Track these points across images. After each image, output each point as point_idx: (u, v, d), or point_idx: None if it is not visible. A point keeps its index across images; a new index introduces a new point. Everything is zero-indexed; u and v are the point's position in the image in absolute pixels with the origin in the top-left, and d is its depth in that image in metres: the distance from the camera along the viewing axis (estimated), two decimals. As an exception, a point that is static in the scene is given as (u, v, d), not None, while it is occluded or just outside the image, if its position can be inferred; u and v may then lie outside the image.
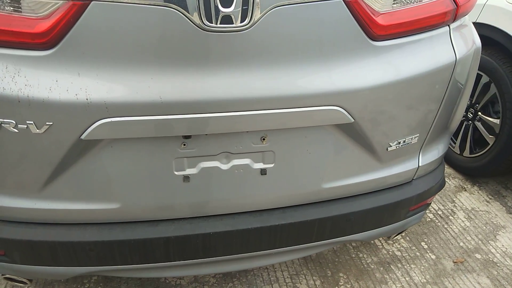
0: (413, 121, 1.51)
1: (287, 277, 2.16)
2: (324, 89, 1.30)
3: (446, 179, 2.98)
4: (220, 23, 1.15)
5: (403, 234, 2.47)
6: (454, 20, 1.47)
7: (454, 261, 2.32)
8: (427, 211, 2.66)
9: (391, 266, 2.26)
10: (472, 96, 2.83)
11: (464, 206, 2.75)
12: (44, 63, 1.15)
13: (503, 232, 2.54)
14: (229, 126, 1.29)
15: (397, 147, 1.55)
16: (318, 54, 1.28)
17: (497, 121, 2.67)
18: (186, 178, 1.38)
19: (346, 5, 1.23)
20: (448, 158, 3.07)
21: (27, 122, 1.18)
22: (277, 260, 1.69)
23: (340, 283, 2.14)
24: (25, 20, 1.11)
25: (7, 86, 1.14)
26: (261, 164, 1.42)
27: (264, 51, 1.23)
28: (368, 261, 2.28)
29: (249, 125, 1.31)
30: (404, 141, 1.55)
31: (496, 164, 2.72)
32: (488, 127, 2.75)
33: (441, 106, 1.54)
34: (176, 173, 1.36)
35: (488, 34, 2.61)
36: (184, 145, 1.32)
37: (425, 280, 2.18)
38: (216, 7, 1.13)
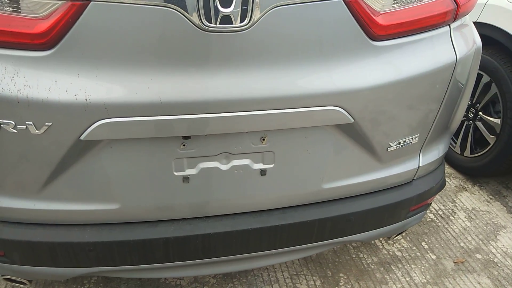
0: (414, 121, 1.51)
1: (287, 278, 2.15)
2: (324, 89, 1.30)
3: (446, 179, 2.97)
4: (219, 23, 1.14)
5: (403, 234, 2.47)
6: (455, 20, 1.46)
7: (455, 261, 2.31)
8: (427, 211, 2.66)
9: (392, 266, 2.26)
10: (472, 96, 2.83)
11: (464, 206, 2.75)
12: (43, 64, 1.14)
13: (503, 232, 2.53)
14: (228, 126, 1.29)
15: (397, 147, 1.54)
16: (318, 54, 1.27)
17: (498, 121, 2.66)
18: (186, 178, 1.37)
19: (346, 5, 1.23)
20: (448, 158, 3.07)
21: (26, 122, 1.18)
22: (277, 261, 1.69)
23: (340, 284, 2.14)
24: (24, 20, 1.11)
25: (6, 87, 1.14)
26: (261, 164, 1.42)
27: (264, 51, 1.23)
28: (368, 261, 2.28)
29: (248, 126, 1.31)
30: (405, 141, 1.55)
31: (497, 164, 2.71)
32: (489, 127, 2.74)
33: (441, 106, 1.53)
34: (175, 173, 1.36)
35: (489, 34, 2.61)
36: (184, 145, 1.32)
37: (425, 281, 2.18)
38: (216, 7, 1.12)
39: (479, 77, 2.74)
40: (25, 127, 1.18)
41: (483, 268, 2.28)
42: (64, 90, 1.15)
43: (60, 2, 1.08)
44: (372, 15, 1.27)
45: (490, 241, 2.46)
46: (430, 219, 2.62)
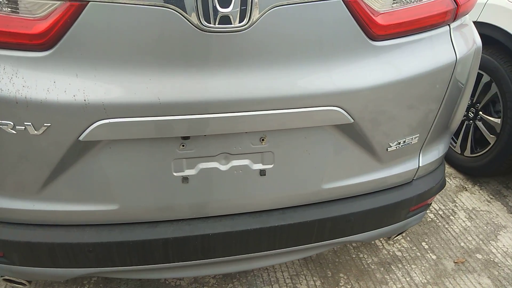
0: (413, 121, 1.51)
1: (287, 278, 2.15)
2: (324, 89, 1.30)
3: (447, 179, 2.97)
4: (218, 24, 1.14)
5: (403, 234, 2.46)
6: (455, 19, 1.46)
7: (455, 261, 2.31)
8: (427, 211, 2.65)
9: (392, 267, 2.25)
10: (473, 95, 2.82)
11: (465, 206, 2.74)
12: (42, 64, 1.14)
13: (504, 232, 2.53)
14: (228, 127, 1.29)
15: (397, 147, 1.54)
16: (317, 54, 1.27)
17: (498, 120, 2.66)
18: (185, 179, 1.37)
19: (345, 4, 1.23)
20: (449, 158, 3.07)
21: (25, 123, 1.17)
22: (277, 261, 1.68)
23: (340, 284, 2.14)
24: (23, 21, 1.10)
25: (5, 87, 1.13)
26: (260, 164, 1.41)
27: (263, 52, 1.22)
28: (368, 262, 2.28)
29: (248, 126, 1.31)
30: (404, 141, 1.54)
31: (497, 164, 2.71)
32: (489, 126, 2.74)
33: (441, 106, 1.53)
34: (175, 174, 1.36)
35: (489, 33, 2.60)
36: (183, 146, 1.32)
37: (425, 281, 2.18)
38: (214, 8, 1.12)
39: (479, 76, 2.74)
40: (23, 127, 1.18)
41: (483, 268, 2.27)
42: (62, 91, 1.15)
43: (59, 2, 1.08)
44: (372, 15, 1.27)
45: (490, 241, 2.46)
46: (430, 219, 2.61)
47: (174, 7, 1.11)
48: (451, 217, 2.64)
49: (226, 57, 1.20)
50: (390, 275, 2.20)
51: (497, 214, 2.68)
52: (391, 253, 2.34)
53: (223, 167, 1.39)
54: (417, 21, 1.36)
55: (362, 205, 1.58)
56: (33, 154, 1.24)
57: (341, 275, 2.19)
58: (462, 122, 2.93)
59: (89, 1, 1.08)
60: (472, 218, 2.64)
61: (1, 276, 1.55)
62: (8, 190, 1.33)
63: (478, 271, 2.25)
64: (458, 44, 1.47)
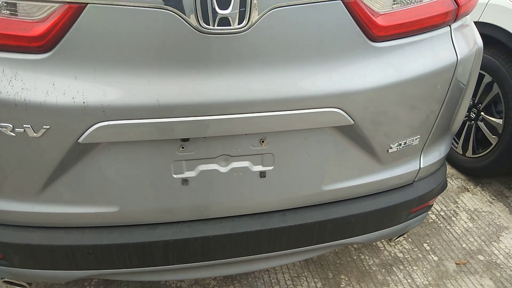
0: (414, 123, 1.50)
1: (288, 279, 2.14)
2: (324, 91, 1.29)
3: (448, 180, 2.96)
4: (217, 25, 1.14)
5: (405, 235, 2.45)
6: (455, 20, 1.45)
7: (457, 262, 2.30)
8: (429, 212, 2.64)
9: (393, 268, 2.24)
10: (474, 96, 2.81)
11: (466, 207, 2.73)
12: (40, 67, 1.14)
13: (506, 233, 2.52)
14: (227, 128, 1.28)
15: (398, 148, 1.53)
16: (317, 56, 1.26)
17: (500, 121, 2.65)
18: (185, 181, 1.37)
19: (345, 6, 1.22)
20: (450, 159, 3.05)
21: (24, 125, 1.17)
22: (277, 263, 1.68)
23: (341, 285, 2.13)
24: (21, 23, 1.10)
25: (4, 90, 1.13)
26: (260, 166, 1.41)
27: (263, 53, 1.22)
28: (370, 263, 2.27)
29: (248, 128, 1.31)
30: (405, 143, 1.54)
31: (499, 165, 2.70)
32: (491, 127, 2.73)
33: (442, 107, 1.52)
34: (174, 176, 1.35)
35: (491, 33, 2.59)
36: (183, 148, 1.31)
37: (427, 282, 2.17)
38: (213, 9, 1.12)
39: (480, 77, 2.73)
40: (23, 130, 1.18)
41: (485, 269, 2.26)
42: (61, 93, 1.15)
43: (57, 5, 1.08)
44: (372, 16, 1.27)
45: (492, 242, 2.45)
46: (432, 220, 2.60)
47: (172, 8, 1.10)
48: (453, 218, 2.63)
49: (225, 59, 1.20)
50: (392, 277, 2.19)
51: (499, 215, 2.67)
52: (392, 254, 2.33)
53: (223, 169, 1.38)
54: (417, 22, 1.35)
55: (363, 207, 1.58)
56: (32, 156, 1.24)
57: (342, 276, 2.18)
58: (464, 123, 2.92)
59: (88, 3, 1.08)
60: (474, 219, 2.63)
61: (1, 278, 1.55)
62: (8, 192, 1.33)
63: (480, 273, 2.24)
64: (459, 45, 1.47)
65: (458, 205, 2.75)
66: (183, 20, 1.12)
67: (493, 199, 2.81)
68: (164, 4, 1.10)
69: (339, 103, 1.32)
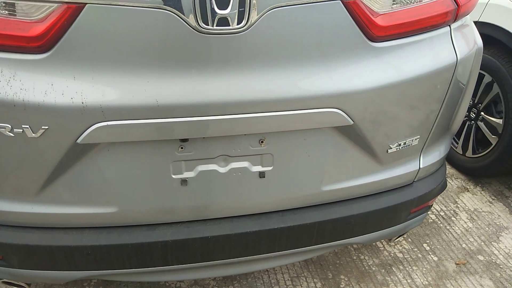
0: (414, 123, 1.50)
1: (288, 280, 2.14)
2: (323, 91, 1.29)
3: (448, 180, 2.95)
4: (216, 25, 1.13)
5: (404, 236, 2.45)
6: (455, 20, 1.45)
7: (457, 263, 2.30)
8: (429, 212, 2.64)
9: (393, 268, 2.24)
10: (474, 95, 2.81)
11: (466, 207, 2.73)
12: (39, 67, 1.14)
13: (506, 233, 2.52)
14: (226, 129, 1.28)
15: (398, 149, 1.53)
16: (317, 56, 1.26)
17: (500, 121, 2.65)
18: (184, 181, 1.37)
19: (344, 6, 1.22)
20: (450, 159, 3.05)
21: (23, 126, 1.17)
22: (276, 264, 1.68)
23: (341, 286, 2.13)
24: (20, 23, 1.10)
25: (2, 90, 1.13)
26: (260, 167, 1.41)
27: (262, 53, 1.22)
28: (369, 263, 2.27)
29: (247, 128, 1.30)
30: (405, 143, 1.53)
31: (499, 165, 2.69)
32: (491, 127, 2.72)
33: (442, 108, 1.52)
34: (173, 176, 1.35)
35: (491, 33, 2.59)
36: (182, 148, 1.31)
37: (427, 282, 2.16)
38: (212, 9, 1.11)
39: (480, 77, 2.72)
40: (21, 130, 1.18)
41: (485, 269, 2.26)
42: (60, 93, 1.14)
43: (56, 5, 1.08)
44: (371, 16, 1.26)
45: (492, 242, 2.44)
46: (431, 220, 2.60)
47: (171, 9, 1.10)
48: (453, 218, 2.63)
49: (224, 59, 1.19)
50: (391, 277, 2.19)
51: (499, 215, 2.66)
52: (392, 254, 2.33)
53: (222, 169, 1.38)
54: (417, 22, 1.35)
55: (362, 207, 1.57)
56: (31, 157, 1.24)
57: (342, 277, 2.18)
58: (464, 123, 2.91)
59: (86, 3, 1.08)
60: (473, 219, 2.63)
61: (1, 279, 1.55)
62: (7, 192, 1.33)
63: (479, 273, 2.24)
64: (459, 45, 1.46)
65: (458, 205, 2.74)
66: (182, 20, 1.12)
67: (493, 199, 2.81)
68: (163, 4, 1.10)
69: (338, 104, 1.31)
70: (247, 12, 1.13)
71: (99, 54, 1.14)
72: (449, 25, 1.44)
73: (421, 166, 1.65)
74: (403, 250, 2.37)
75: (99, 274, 1.48)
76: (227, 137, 1.33)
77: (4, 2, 1.08)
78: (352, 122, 1.36)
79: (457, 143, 3.00)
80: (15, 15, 1.10)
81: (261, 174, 1.41)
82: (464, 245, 2.42)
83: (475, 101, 2.83)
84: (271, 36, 1.20)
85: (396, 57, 1.36)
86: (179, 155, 1.32)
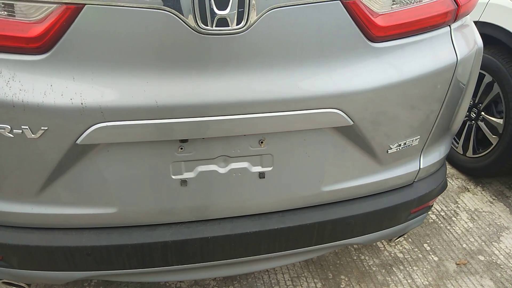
0: (414, 123, 1.49)
1: (288, 280, 2.14)
2: (323, 91, 1.29)
3: (449, 180, 2.95)
4: (215, 26, 1.13)
5: (405, 236, 2.45)
6: (455, 20, 1.44)
7: (457, 263, 2.29)
8: (429, 212, 2.64)
9: (393, 268, 2.24)
10: (475, 95, 2.81)
11: (467, 207, 2.72)
12: (38, 68, 1.14)
13: (506, 233, 2.51)
14: (226, 129, 1.28)
15: (398, 149, 1.53)
16: (316, 56, 1.26)
17: (501, 121, 2.64)
18: (184, 182, 1.36)
19: (344, 6, 1.22)
20: (451, 159, 3.05)
21: (22, 127, 1.17)
22: (276, 264, 1.68)
23: (341, 286, 2.12)
24: (19, 24, 1.10)
25: (2, 91, 1.13)
26: (260, 167, 1.41)
27: (261, 54, 1.21)
28: (370, 263, 2.26)
29: (247, 129, 1.30)
30: (405, 143, 1.53)
31: (500, 165, 2.69)
32: (491, 127, 2.72)
33: (442, 108, 1.52)
34: (173, 177, 1.35)
35: (491, 33, 2.58)
36: (181, 148, 1.31)
37: (427, 283, 2.16)
38: (212, 10, 1.11)
39: (481, 77, 2.72)
40: (21, 131, 1.18)
41: (485, 270, 2.26)
42: (59, 94, 1.14)
43: (55, 5, 1.08)
44: (371, 16, 1.26)
45: (493, 243, 2.44)
46: (432, 220, 2.60)
47: (170, 9, 1.10)
48: (453, 218, 2.63)
49: (224, 60, 1.19)
50: (392, 277, 2.19)
51: (500, 215, 2.66)
52: (392, 254, 2.33)
53: (222, 170, 1.38)
54: (417, 22, 1.35)
55: (362, 208, 1.57)
56: (30, 157, 1.23)
57: (342, 277, 2.18)
58: (464, 123, 2.91)
59: (85, 4, 1.08)
60: (474, 219, 2.62)
61: (1, 280, 1.55)
62: (6, 193, 1.33)
63: (480, 273, 2.23)
64: (459, 45, 1.46)
65: (459, 205, 2.74)
66: (181, 21, 1.11)
67: (494, 199, 2.80)
68: (162, 5, 1.09)
69: (338, 104, 1.31)
70: (247, 13, 1.13)
71: (99, 54, 1.13)
72: (449, 25, 1.44)
73: (421, 167, 1.64)
74: (404, 250, 2.36)
75: (99, 274, 1.48)
76: (226, 138, 1.33)
77: (3, 3, 1.08)
78: (352, 123, 1.35)
79: (458, 143, 2.99)
80: (14, 16, 1.10)
81: (261, 175, 1.41)
82: (464, 245, 2.41)
83: (476, 101, 2.83)
84: (270, 36, 1.19)
85: (396, 57, 1.35)
86: (178, 156, 1.32)
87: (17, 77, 1.13)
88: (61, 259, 1.41)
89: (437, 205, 2.73)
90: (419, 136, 1.55)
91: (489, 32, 2.58)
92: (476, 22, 2.61)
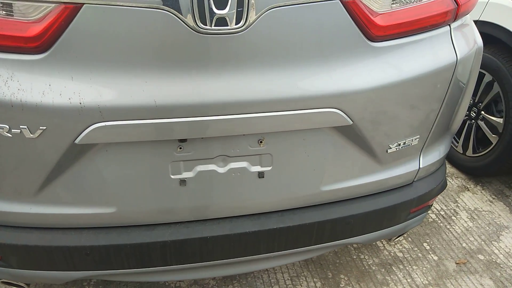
0: (414, 123, 1.49)
1: (288, 279, 2.14)
2: (322, 91, 1.28)
3: (448, 179, 2.95)
4: (214, 26, 1.13)
5: (404, 235, 2.45)
6: (455, 19, 1.44)
7: (457, 262, 2.29)
8: (429, 212, 2.64)
9: (393, 268, 2.24)
10: (475, 95, 2.80)
11: (467, 206, 2.72)
12: (37, 67, 1.13)
13: (506, 233, 2.51)
14: (225, 129, 1.27)
15: (397, 148, 1.52)
16: (316, 56, 1.25)
17: (500, 120, 2.64)
18: (183, 181, 1.36)
19: (343, 5, 1.21)
20: (450, 158, 3.05)
21: (21, 126, 1.17)
22: (276, 264, 1.67)
23: (341, 285, 2.12)
24: (17, 24, 1.09)
25: (0, 91, 1.12)
26: (259, 167, 1.40)
27: (261, 53, 1.21)
28: (369, 263, 2.26)
29: (246, 128, 1.30)
30: (405, 143, 1.53)
31: (500, 164, 2.69)
32: (491, 126, 2.72)
33: (442, 107, 1.51)
34: (172, 176, 1.35)
35: (491, 32, 2.58)
36: (180, 148, 1.31)
37: (427, 282, 2.16)
38: (210, 9, 1.11)
39: (481, 76, 2.72)
40: (19, 131, 1.17)
41: (485, 269, 2.26)
42: (58, 94, 1.14)
43: (53, 5, 1.07)
44: (370, 16, 1.26)
45: (492, 242, 2.44)
46: (432, 220, 2.60)
47: (169, 9, 1.09)
48: (453, 217, 2.63)
49: (223, 59, 1.19)
50: (391, 276, 2.19)
51: (500, 214, 2.66)
52: (392, 254, 2.33)
53: (221, 170, 1.38)
54: (417, 21, 1.34)
55: (362, 207, 1.57)
56: (29, 157, 1.23)
57: (342, 276, 2.18)
58: (464, 122, 2.91)
59: (84, 4, 1.07)
60: (474, 218, 2.62)
61: (0, 279, 1.55)
62: (5, 193, 1.33)
63: (480, 272, 2.23)
64: (459, 45, 1.46)
65: (458, 204, 2.74)
66: (180, 21, 1.11)
67: (494, 198, 2.80)
68: (161, 4, 1.09)
69: (337, 104, 1.31)
70: (246, 12, 1.13)
71: (97, 54, 1.13)
72: (449, 25, 1.44)
73: (421, 166, 1.64)
74: (403, 249, 2.36)
75: (98, 274, 1.48)
76: (226, 137, 1.33)
77: (1, 3, 1.08)
78: (351, 122, 1.35)
79: (458, 142, 2.99)
80: (13, 16, 1.09)
81: (260, 174, 1.41)
82: (464, 245, 2.41)
83: (476, 100, 2.83)
84: (270, 36, 1.19)
85: (396, 57, 1.35)
86: (177, 156, 1.32)
87: (15, 76, 1.13)
88: (60, 258, 1.40)
89: (437, 204, 2.73)
90: (418, 136, 1.54)
91: (489, 31, 2.57)
92: (476, 21, 2.61)
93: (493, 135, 2.70)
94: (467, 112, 2.88)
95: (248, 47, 1.19)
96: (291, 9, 1.17)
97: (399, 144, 1.52)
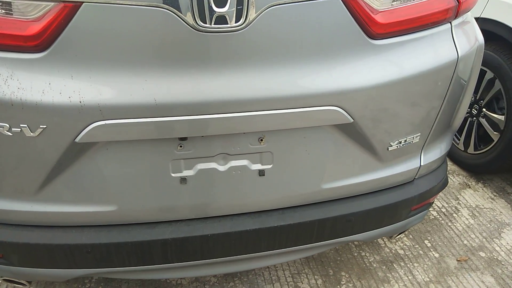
0: (414, 120, 1.49)
1: (289, 276, 2.14)
2: (322, 89, 1.28)
3: (450, 176, 2.94)
4: (214, 24, 1.12)
5: (405, 232, 2.45)
6: (456, 17, 1.44)
7: (458, 259, 2.29)
8: (430, 209, 2.63)
9: (394, 265, 2.24)
10: (476, 92, 2.79)
11: (468, 204, 2.72)
12: (36, 66, 1.13)
13: (507, 230, 2.51)
14: (225, 127, 1.27)
15: (398, 146, 1.52)
16: (316, 54, 1.25)
17: (502, 117, 2.63)
18: (183, 180, 1.36)
19: (343, 3, 1.21)
20: (452, 155, 3.04)
21: (21, 125, 1.17)
22: (276, 261, 1.68)
23: (342, 282, 2.13)
24: (17, 22, 1.09)
25: (0, 90, 1.13)
26: (259, 165, 1.40)
27: (261, 51, 1.21)
28: (370, 260, 2.26)
29: (246, 126, 1.30)
30: (405, 141, 1.53)
31: (501, 161, 2.68)
32: (493, 123, 2.71)
33: (443, 105, 1.51)
34: (173, 175, 1.35)
35: (493, 29, 2.57)
36: (181, 146, 1.31)
37: (428, 279, 2.16)
38: (210, 7, 1.10)
39: (482, 73, 2.71)
40: (19, 129, 1.17)
41: (486, 266, 2.25)
42: (58, 93, 1.14)
43: (52, 3, 1.07)
44: (371, 13, 1.25)
45: (494, 239, 2.44)
46: (433, 217, 2.59)
47: (169, 7, 1.09)
48: (454, 214, 2.62)
49: (223, 58, 1.19)
50: (392, 274, 2.19)
51: (501, 212, 2.66)
52: (393, 251, 2.33)
53: (221, 168, 1.38)
54: (417, 19, 1.34)
55: (363, 205, 1.57)
56: (29, 156, 1.23)
57: (343, 273, 2.18)
58: (466, 119, 2.90)
59: (83, 2, 1.07)
60: (475, 215, 2.62)
61: (1, 277, 1.55)
62: (6, 191, 1.33)
63: (481, 269, 2.23)
64: (460, 42, 1.45)
65: (460, 202, 2.74)
66: (179, 19, 1.11)
67: (495, 196, 2.80)
68: (161, 3, 1.09)
69: (338, 101, 1.31)
70: (245, 10, 1.12)
71: (97, 53, 1.13)
72: (450, 22, 1.43)
73: (422, 164, 1.64)
74: (404, 246, 2.36)
75: (99, 272, 1.48)
76: (226, 136, 1.33)
77: (0, 1, 1.08)
78: (352, 120, 1.35)
79: (459, 140, 2.98)
80: (12, 14, 1.09)
81: (261, 172, 1.41)
82: (465, 242, 2.41)
83: (477, 98, 2.82)
84: (270, 34, 1.19)
85: (396, 54, 1.35)
86: (178, 154, 1.32)
87: (15, 75, 1.13)
88: (61, 256, 1.41)
89: (438, 202, 2.73)
90: (419, 133, 1.54)
91: (490, 29, 2.56)
92: (477, 18, 2.60)
93: (495, 132, 2.69)
94: (469, 109, 2.87)
95: (248, 45, 1.18)
96: (291, 6, 1.16)
97: (400, 142, 1.51)
